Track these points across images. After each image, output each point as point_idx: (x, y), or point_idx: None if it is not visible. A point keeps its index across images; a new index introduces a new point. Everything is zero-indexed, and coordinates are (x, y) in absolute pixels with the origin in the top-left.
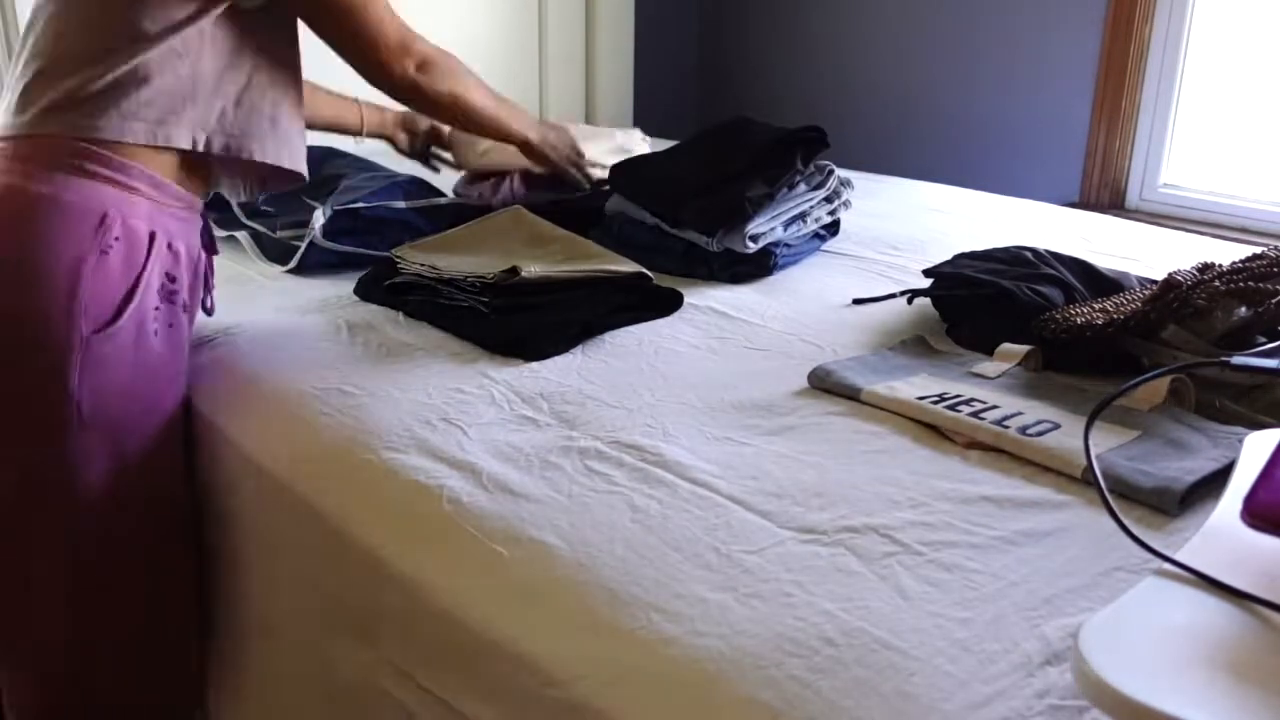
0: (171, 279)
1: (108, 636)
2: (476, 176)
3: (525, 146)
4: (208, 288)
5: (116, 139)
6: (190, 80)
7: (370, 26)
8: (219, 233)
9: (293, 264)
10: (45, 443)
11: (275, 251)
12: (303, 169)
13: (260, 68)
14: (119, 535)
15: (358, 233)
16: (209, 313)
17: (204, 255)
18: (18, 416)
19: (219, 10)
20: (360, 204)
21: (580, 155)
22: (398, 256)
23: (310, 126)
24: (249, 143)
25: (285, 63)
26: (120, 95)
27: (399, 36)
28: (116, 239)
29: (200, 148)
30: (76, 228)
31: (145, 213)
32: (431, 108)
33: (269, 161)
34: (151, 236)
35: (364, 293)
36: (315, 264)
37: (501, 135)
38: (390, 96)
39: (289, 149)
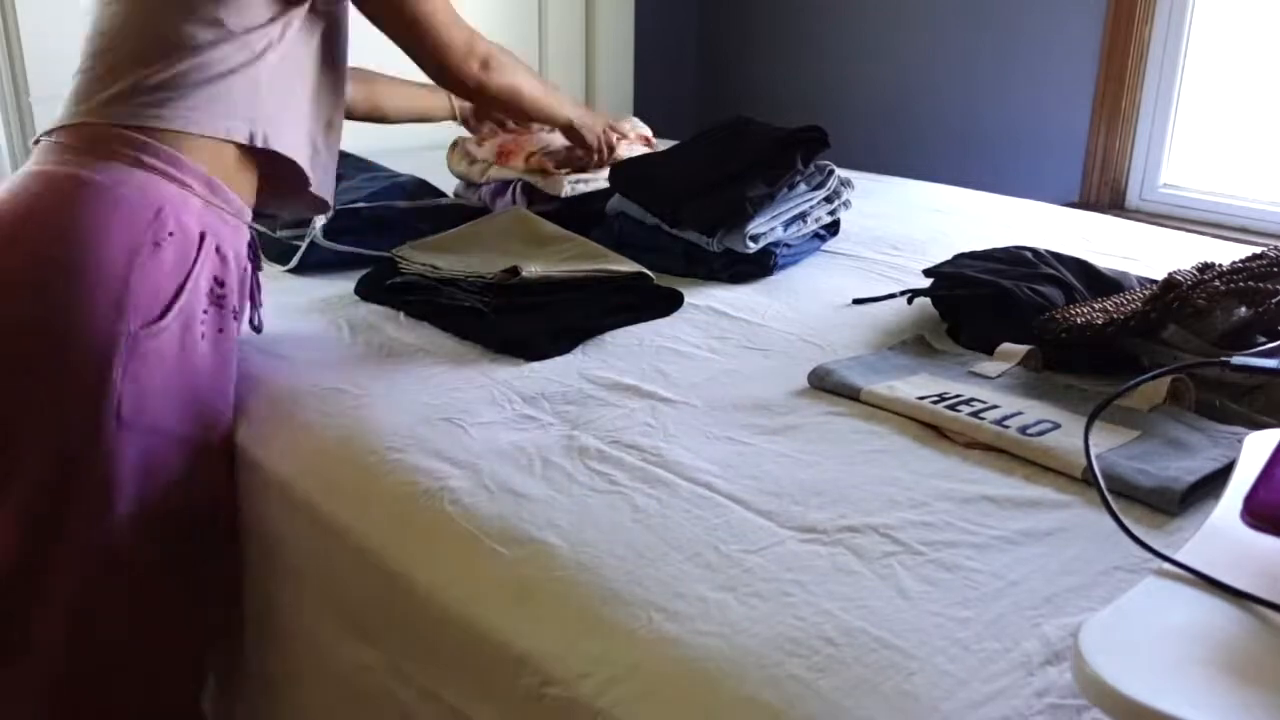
0: (220, 283)
1: (118, 641)
2: (477, 182)
3: (568, 128)
4: (255, 304)
5: (178, 129)
6: (255, 79)
7: (439, 33)
8: None
9: (293, 264)
10: (83, 437)
11: (275, 251)
12: (330, 199)
13: (321, 76)
14: (150, 542)
15: (358, 233)
16: (257, 329)
17: (250, 268)
18: (57, 409)
19: (299, 12)
20: (361, 204)
21: (614, 139)
22: (398, 256)
23: (398, 120)
24: (300, 150)
25: (338, 77)
26: (187, 87)
27: (465, 39)
28: (170, 234)
29: (259, 143)
30: (131, 219)
31: (197, 211)
32: (491, 102)
33: (309, 175)
34: (202, 236)
35: (364, 293)
36: (315, 264)
37: (549, 119)
38: (458, 95)
39: (326, 174)
